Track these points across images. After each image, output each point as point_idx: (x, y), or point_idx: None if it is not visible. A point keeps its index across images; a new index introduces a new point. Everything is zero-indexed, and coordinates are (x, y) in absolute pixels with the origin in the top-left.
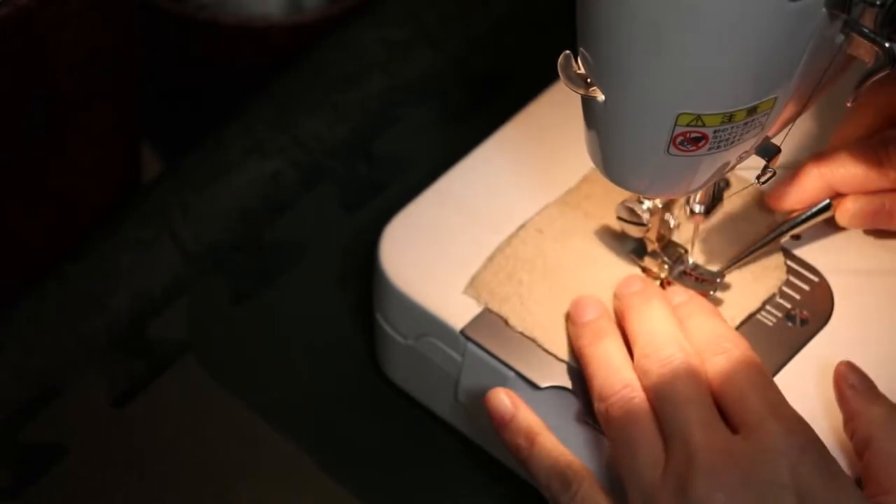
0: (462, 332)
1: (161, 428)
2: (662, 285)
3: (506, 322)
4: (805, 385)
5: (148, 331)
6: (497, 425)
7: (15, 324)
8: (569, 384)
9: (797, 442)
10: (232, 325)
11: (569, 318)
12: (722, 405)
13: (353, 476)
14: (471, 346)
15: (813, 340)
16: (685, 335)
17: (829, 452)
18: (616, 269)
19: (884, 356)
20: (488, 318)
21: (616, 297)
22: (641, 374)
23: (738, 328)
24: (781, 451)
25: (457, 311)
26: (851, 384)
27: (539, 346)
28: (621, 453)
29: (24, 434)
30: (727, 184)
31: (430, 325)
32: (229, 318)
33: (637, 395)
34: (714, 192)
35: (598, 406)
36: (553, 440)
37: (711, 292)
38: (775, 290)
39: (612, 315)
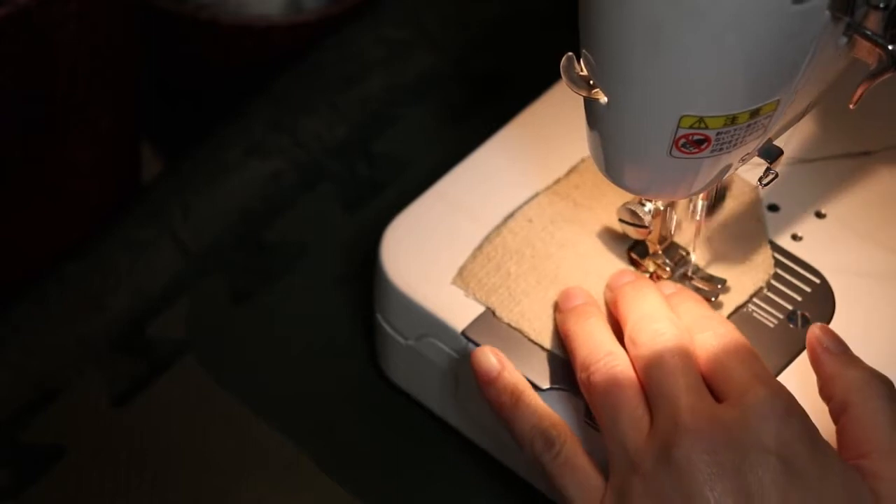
0: (463, 332)
1: (161, 428)
2: (652, 278)
3: (493, 313)
4: (806, 386)
5: (148, 331)
6: (482, 382)
7: (15, 324)
8: (568, 384)
9: (781, 406)
10: (232, 325)
11: (556, 307)
12: (708, 378)
13: (353, 476)
14: (471, 346)
15: None
16: None
17: (811, 420)
18: (606, 261)
19: (885, 357)
20: (489, 319)
21: (608, 287)
22: (630, 345)
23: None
24: (765, 416)
25: (457, 312)
26: (826, 347)
27: (525, 336)
28: (604, 417)
29: (24, 434)
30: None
31: (431, 325)
32: (229, 318)
33: (621, 363)
34: (715, 194)
35: (581, 375)
36: (538, 399)
37: (713, 298)
38: (763, 285)
39: (600, 304)
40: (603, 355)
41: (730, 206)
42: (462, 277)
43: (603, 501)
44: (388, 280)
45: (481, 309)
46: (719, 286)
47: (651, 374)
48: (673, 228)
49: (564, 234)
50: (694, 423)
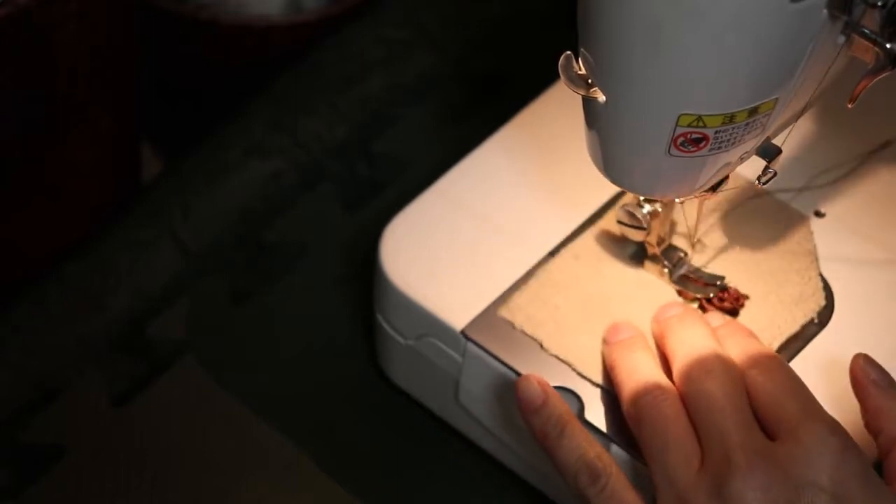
0: (462, 332)
1: (161, 428)
2: (701, 307)
3: (540, 345)
4: (808, 384)
5: (148, 331)
6: (526, 411)
7: (15, 324)
8: (570, 385)
9: (837, 444)
10: (232, 325)
11: (604, 341)
12: (759, 414)
13: (352, 476)
14: (471, 346)
15: (815, 340)
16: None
17: (865, 456)
18: (653, 295)
19: (885, 355)
20: (489, 319)
21: (654, 321)
22: (679, 379)
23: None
24: (820, 453)
25: (457, 311)
26: (873, 379)
27: (574, 369)
28: (653, 452)
29: (24, 434)
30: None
31: (431, 325)
32: (229, 318)
33: (670, 396)
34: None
35: (628, 409)
36: (583, 430)
37: (712, 295)
38: (814, 315)
39: (648, 338)
40: (651, 388)
41: (780, 233)
42: (509, 310)
43: None
44: (387, 280)
45: (481, 308)
46: (717, 283)
47: (701, 410)
48: (670, 231)
49: (612, 269)
50: (746, 460)
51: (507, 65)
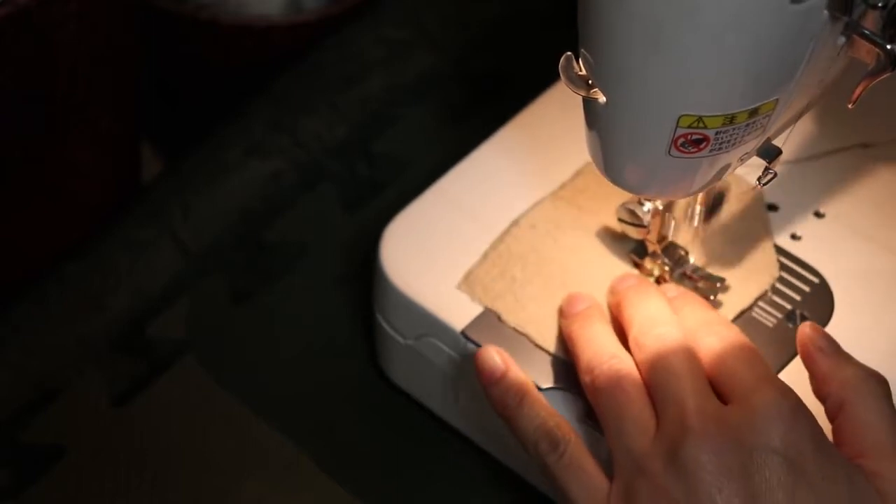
0: (462, 332)
1: (161, 428)
2: (658, 282)
3: (499, 318)
4: (805, 385)
5: (148, 331)
6: (486, 382)
7: (15, 324)
8: (570, 385)
9: (787, 407)
10: (232, 325)
11: (560, 312)
12: (713, 381)
13: (352, 476)
14: (471, 346)
15: None
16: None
17: (817, 421)
18: (610, 265)
19: (884, 356)
20: (489, 319)
21: (611, 291)
22: (635, 348)
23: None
24: (772, 417)
25: (457, 311)
26: (819, 346)
27: (531, 341)
28: (609, 419)
29: (24, 434)
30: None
31: (431, 325)
32: (229, 318)
33: (626, 365)
34: (713, 200)
35: (585, 378)
36: (542, 400)
37: (712, 297)
38: (767, 288)
39: (604, 308)
40: (607, 358)
41: (731, 206)
42: (468, 283)
43: (608, 503)
44: (387, 280)
45: (481, 308)
46: (718, 284)
47: (656, 377)
48: (672, 229)
49: (569, 239)
50: (701, 425)
51: (507, 65)
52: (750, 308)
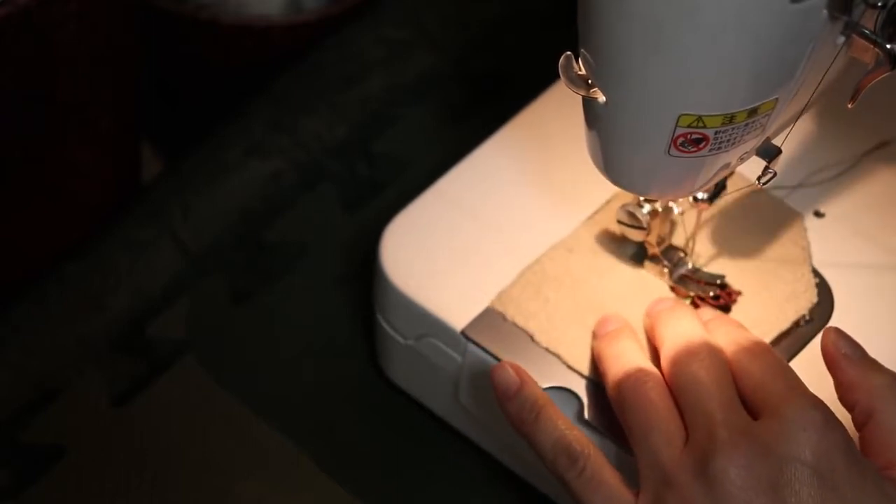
0: (462, 332)
1: (161, 428)
2: (694, 304)
3: (531, 338)
4: (807, 385)
5: (148, 331)
6: (502, 397)
7: (15, 324)
8: (570, 385)
9: (819, 418)
10: (232, 325)
11: (593, 335)
12: (745, 397)
13: (352, 476)
14: (471, 346)
15: (813, 341)
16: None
17: (847, 432)
18: (646, 290)
19: (884, 356)
20: (488, 319)
21: (646, 314)
22: (666, 364)
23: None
24: (802, 427)
25: (457, 312)
26: (845, 353)
27: (563, 361)
28: (637, 434)
29: (24, 434)
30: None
31: (431, 325)
32: (229, 318)
33: (653, 378)
34: (713, 191)
35: (612, 392)
36: (559, 414)
37: (711, 294)
38: (805, 313)
39: (639, 331)
40: (634, 371)
41: (773, 230)
42: (501, 301)
43: None
44: (387, 280)
45: (481, 308)
46: (717, 282)
47: (687, 391)
48: (677, 212)
49: (604, 263)
50: (730, 438)
51: (507, 65)
52: (788, 332)
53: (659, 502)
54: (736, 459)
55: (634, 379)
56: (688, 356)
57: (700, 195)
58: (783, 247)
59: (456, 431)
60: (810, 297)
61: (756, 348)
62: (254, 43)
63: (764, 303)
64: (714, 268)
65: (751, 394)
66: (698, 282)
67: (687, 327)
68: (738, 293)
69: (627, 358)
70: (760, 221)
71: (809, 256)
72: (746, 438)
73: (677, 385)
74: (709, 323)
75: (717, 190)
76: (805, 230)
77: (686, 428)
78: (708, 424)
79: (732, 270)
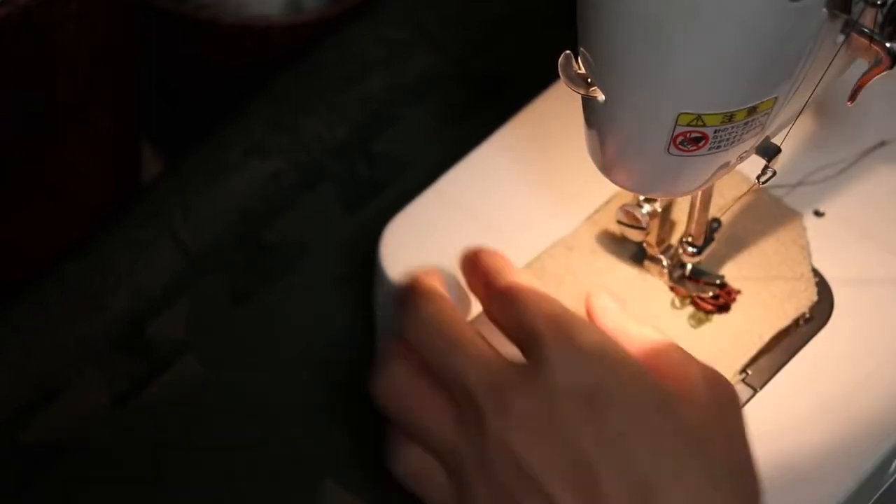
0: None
1: (161, 428)
2: (693, 303)
3: None
4: (805, 385)
5: (148, 331)
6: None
7: (15, 324)
8: None
9: (571, 342)
10: (232, 325)
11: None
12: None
13: (353, 476)
14: None
15: (813, 340)
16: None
17: (590, 329)
18: (645, 289)
19: (884, 355)
20: (488, 319)
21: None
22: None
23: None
24: (558, 356)
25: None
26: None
27: None
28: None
29: (24, 434)
30: (719, 224)
31: None
32: (229, 318)
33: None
34: (707, 233)
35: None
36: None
37: (710, 293)
38: (805, 311)
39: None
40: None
41: (773, 229)
42: None
43: None
44: (387, 280)
45: (481, 308)
46: (717, 281)
47: (437, 365)
48: (670, 231)
49: (604, 263)
50: (493, 399)
51: (507, 65)
52: (788, 330)
53: (465, 487)
54: (507, 418)
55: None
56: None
57: (690, 250)
58: (783, 245)
59: None
60: (810, 296)
61: (504, 293)
62: (254, 43)
63: (764, 301)
64: (713, 266)
65: (512, 338)
66: (698, 282)
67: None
68: (738, 292)
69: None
70: (760, 221)
71: (809, 255)
72: (511, 390)
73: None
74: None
75: (706, 243)
76: (804, 229)
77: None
78: (467, 394)
79: (733, 269)
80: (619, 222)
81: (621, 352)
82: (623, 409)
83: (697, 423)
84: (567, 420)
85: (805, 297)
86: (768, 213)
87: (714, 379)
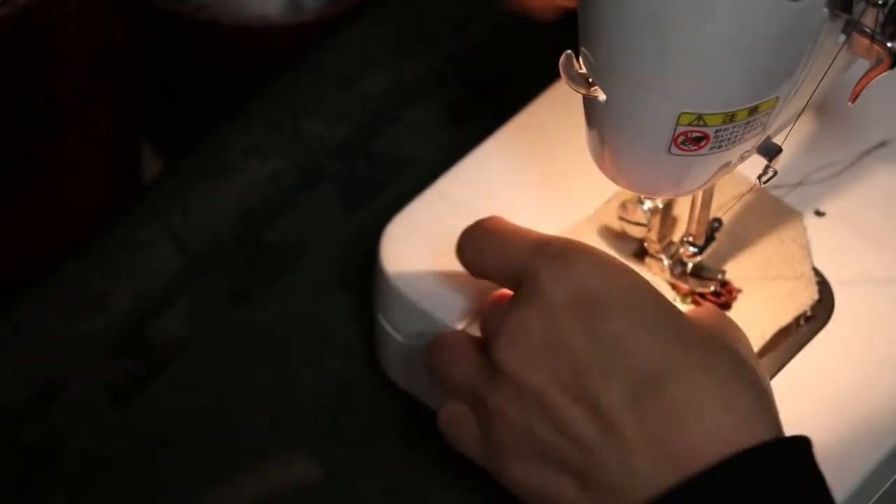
0: (462, 332)
1: (161, 428)
2: (694, 302)
3: None
4: (805, 385)
5: (148, 331)
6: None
7: (15, 324)
8: None
9: (555, 256)
10: (232, 325)
11: None
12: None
13: (352, 476)
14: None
15: (814, 340)
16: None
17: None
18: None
19: (885, 355)
20: None
21: None
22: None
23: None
24: (550, 277)
25: (457, 311)
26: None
27: None
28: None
29: (24, 434)
30: (720, 223)
31: (431, 325)
32: (229, 318)
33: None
34: (708, 232)
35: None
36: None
37: (712, 289)
38: (806, 310)
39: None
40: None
41: (773, 229)
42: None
43: None
44: (387, 280)
45: (481, 308)
46: (719, 277)
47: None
48: (672, 227)
49: None
50: (495, 329)
51: (507, 65)
52: (789, 329)
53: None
54: (511, 348)
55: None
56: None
57: (691, 250)
58: (783, 245)
59: None
60: (811, 294)
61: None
62: (254, 43)
63: (764, 300)
64: (716, 266)
65: (501, 279)
66: (699, 277)
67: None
68: (739, 290)
69: None
70: (761, 221)
71: (810, 254)
72: (507, 315)
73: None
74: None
75: (707, 242)
76: (805, 229)
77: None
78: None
79: (734, 268)
80: (621, 219)
81: (613, 260)
82: (620, 311)
83: (700, 326)
84: (563, 332)
85: (806, 296)
86: (769, 213)
87: (717, 310)
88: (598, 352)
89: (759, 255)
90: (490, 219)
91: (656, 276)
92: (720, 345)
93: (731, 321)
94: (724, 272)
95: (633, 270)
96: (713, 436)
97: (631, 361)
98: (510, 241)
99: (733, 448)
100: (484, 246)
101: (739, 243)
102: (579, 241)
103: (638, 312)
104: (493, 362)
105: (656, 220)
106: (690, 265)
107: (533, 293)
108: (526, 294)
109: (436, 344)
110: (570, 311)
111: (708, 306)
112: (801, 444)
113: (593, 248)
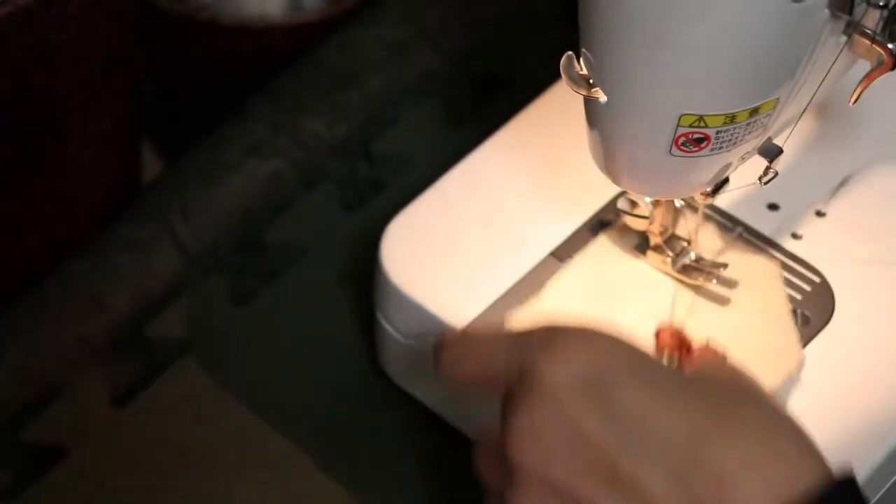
0: (463, 332)
1: (161, 428)
2: (680, 359)
3: None
4: (805, 385)
5: (148, 331)
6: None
7: (15, 324)
8: None
9: (557, 352)
10: (232, 325)
11: None
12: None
13: (352, 476)
14: None
15: (814, 341)
16: None
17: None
18: (648, 279)
19: (885, 355)
20: (489, 319)
21: None
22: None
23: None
24: (557, 369)
25: (457, 311)
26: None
27: None
28: None
29: (24, 434)
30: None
31: (431, 324)
32: (229, 318)
33: None
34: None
35: None
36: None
37: (714, 281)
38: (792, 372)
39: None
40: None
41: (751, 284)
42: (525, 314)
43: None
44: (387, 280)
45: (481, 309)
46: (722, 269)
47: None
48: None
49: (626, 276)
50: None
51: (507, 65)
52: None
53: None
54: (522, 444)
55: None
56: None
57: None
58: (763, 300)
59: (456, 430)
60: (795, 354)
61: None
62: (254, 43)
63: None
64: (694, 330)
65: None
66: (702, 269)
67: None
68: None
69: None
70: (736, 275)
71: (788, 305)
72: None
73: None
74: None
75: (721, 183)
76: (781, 276)
77: None
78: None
79: (715, 330)
80: (622, 211)
81: (601, 333)
82: (628, 385)
83: (711, 381)
84: (576, 416)
85: (790, 356)
86: (745, 267)
87: (719, 359)
88: (620, 431)
89: (738, 315)
90: (463, 331)
91: (658, 268)
92: (740, 396)
93: (736, 367)
94: (726, 265)
95: (622, 338)
96: (763, 490)
97: (659, 436)
98: (493, 344)
99: (786, 497)
100: (466, 356)
101: (720, 303)
102: (562, 324)
103: (647, 383)
104: (512, 466)
105: (658, 213)
106: (693, 256)
107: (534, 385)
108: (527, 388)
109: (475, 453)
110: (577, 394)
111: (707, 358)
112: (848, 484)
113: (576, 326)
